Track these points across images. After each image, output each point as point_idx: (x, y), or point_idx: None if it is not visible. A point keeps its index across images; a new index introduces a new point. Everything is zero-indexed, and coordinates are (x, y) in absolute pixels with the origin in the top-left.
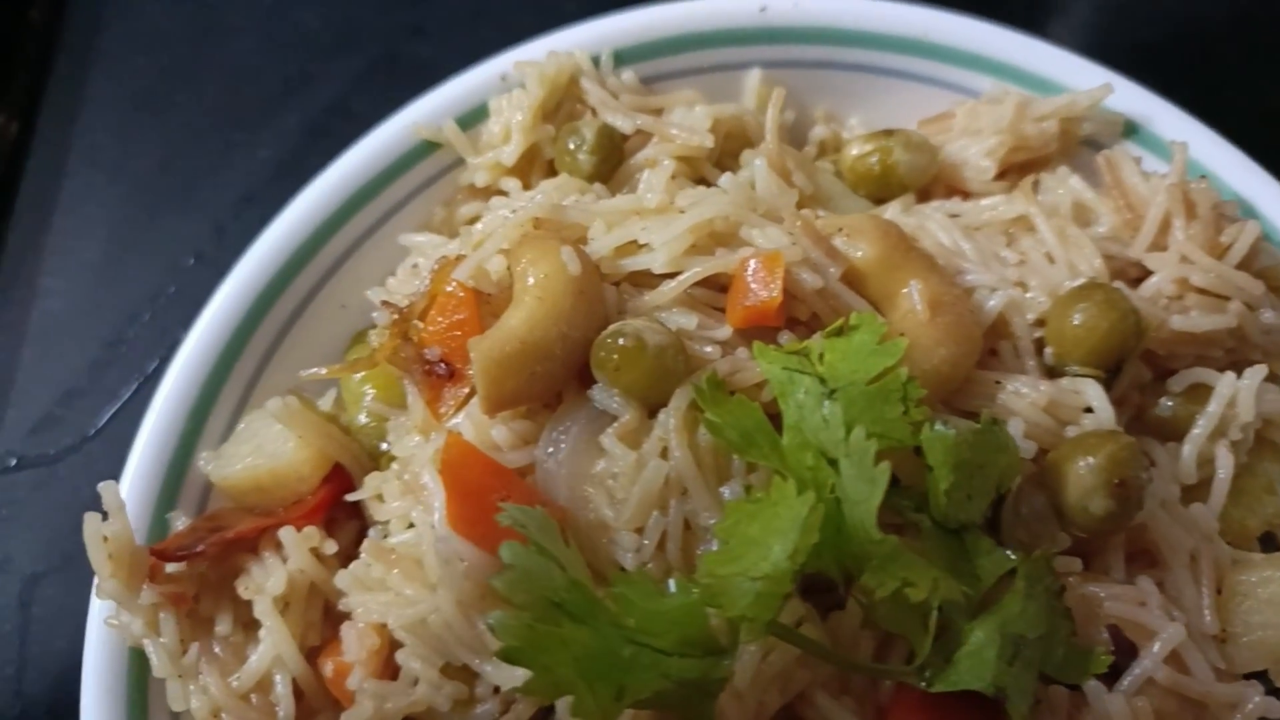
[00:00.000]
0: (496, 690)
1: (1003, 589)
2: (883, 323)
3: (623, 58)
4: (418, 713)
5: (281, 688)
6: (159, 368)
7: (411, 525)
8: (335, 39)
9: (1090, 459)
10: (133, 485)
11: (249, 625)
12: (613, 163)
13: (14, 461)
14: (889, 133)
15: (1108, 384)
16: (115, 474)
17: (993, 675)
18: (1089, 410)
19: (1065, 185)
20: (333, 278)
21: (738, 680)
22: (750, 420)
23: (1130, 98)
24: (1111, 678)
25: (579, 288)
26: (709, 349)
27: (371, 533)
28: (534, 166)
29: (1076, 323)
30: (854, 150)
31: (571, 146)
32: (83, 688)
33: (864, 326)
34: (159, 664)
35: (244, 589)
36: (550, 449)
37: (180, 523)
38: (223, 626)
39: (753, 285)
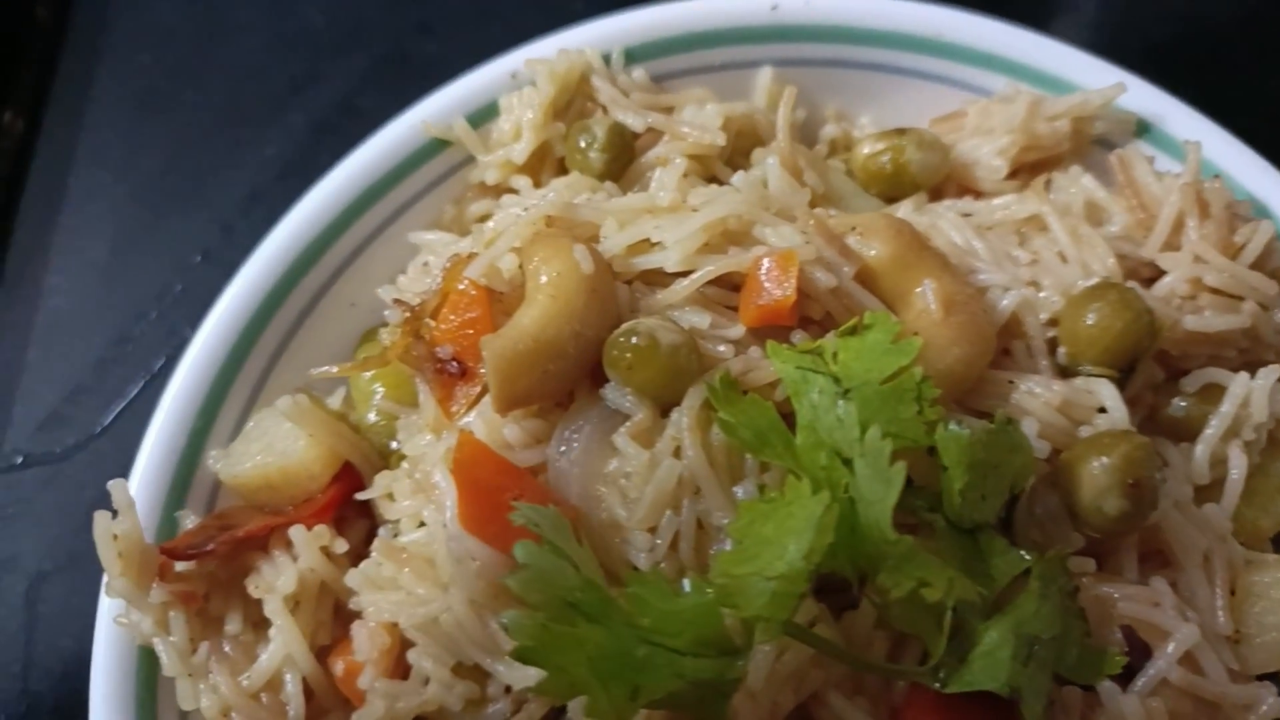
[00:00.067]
0: (508, 690)
1: (1016, 589)
2: (897, 322)
3: (633, 55)
4: (429, 712)
5: (292, 687)
6: (165, 366)
7: (423, 524)
8: (341, 37)
9: (1105, 459)
10: (141, 483)
11: (259, 624)
12: (624, 161)
13: (20, 459)
14: (901, 131)
15: (1121, 384)
16: (122, 472)
17: (1007, 676)
18: (1102, 410)
19: (1077, 184)
20: (342, 276)
21: (751, 680)
22: (764, 419)
23: (1142, 97)
24: (1125, 678)
25: (592, 286)
26: (722, 348)
27: (382, 531)
28: (544, 164)
29: (1090, 322)
30: (866, 149)
31: (582, 144)
32: (91, 686)
33: (878, 325)
34: (169, 663)
35: (254, 588)
36: (562, 448)
37: (189, 521)
38: (233, 625)
39: (766, 284)
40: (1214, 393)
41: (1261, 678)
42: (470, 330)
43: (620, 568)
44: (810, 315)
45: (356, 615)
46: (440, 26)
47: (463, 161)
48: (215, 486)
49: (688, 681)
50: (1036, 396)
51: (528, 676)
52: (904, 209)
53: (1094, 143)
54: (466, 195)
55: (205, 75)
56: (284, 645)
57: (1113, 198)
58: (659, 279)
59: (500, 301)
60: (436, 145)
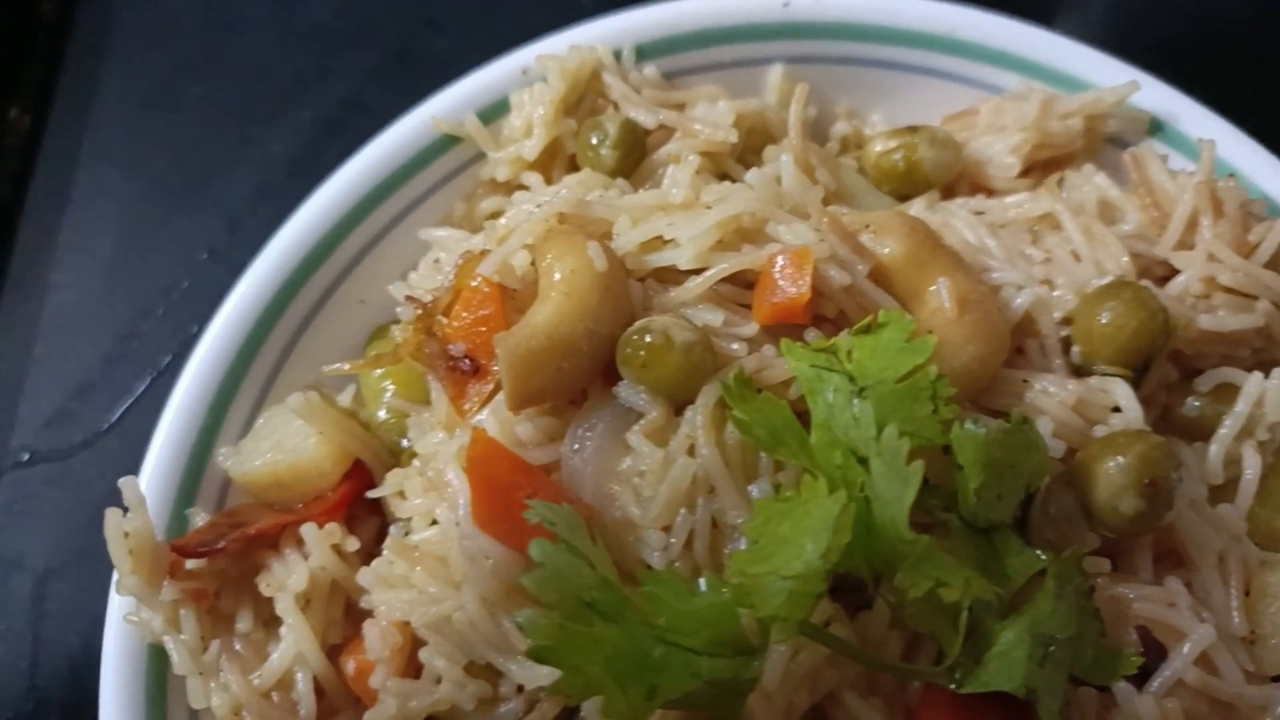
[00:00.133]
0: (521, 689)
1: (1032, 589)
2: (911, 320)
3: (644, 52)
4: (441, 711)
5: (303, 685)
6: (172, 363)
7: (434, 522)
8: (349, 32)
9: (1120, 458)
10: (151, 481)
11: (270, 622)
12: (635, 158)
13: (27, 456)
14: (914, 129)
15: (1135, 383)
16: (129, 469)
17: (1023, 676)
18: (1117, 410)
19: (1090, 183)
20: (352, 272)
21: (767, 680)
22: (779, 418)
23: (1156, 95)
24: (1140, 679)
25: (605, 283)
26: (735, 346)
27: (393, 530)
28: (555, 161)
29: (1104, 321)
30: (878, 146)
31: (594, 141)
32: (101, 685)
33: (892, 324)
34: (180, 661)
35: (265, 586)
36: (576, 446)
37: (199, 519)
38: (243, 623)
39: (780, 282)
40: (1228, 392)
41: (1277, 679)
42: (483, 327)
43: (634, 567)
44: (823, 313)
45: (367, 614)
46: (448, 23)
47: (473, 158)
48: (225, 484)
49: (704, 681)
50: (1051, 395)
51: (541, 676)
52: (916, 207)
53: (1107, 141)
54: (477, 192)
55: (212, 71)
56: (295, 644)
57: (1126, 196)
58: (671, 276)
59: (513, 299)
60: (447, 141)
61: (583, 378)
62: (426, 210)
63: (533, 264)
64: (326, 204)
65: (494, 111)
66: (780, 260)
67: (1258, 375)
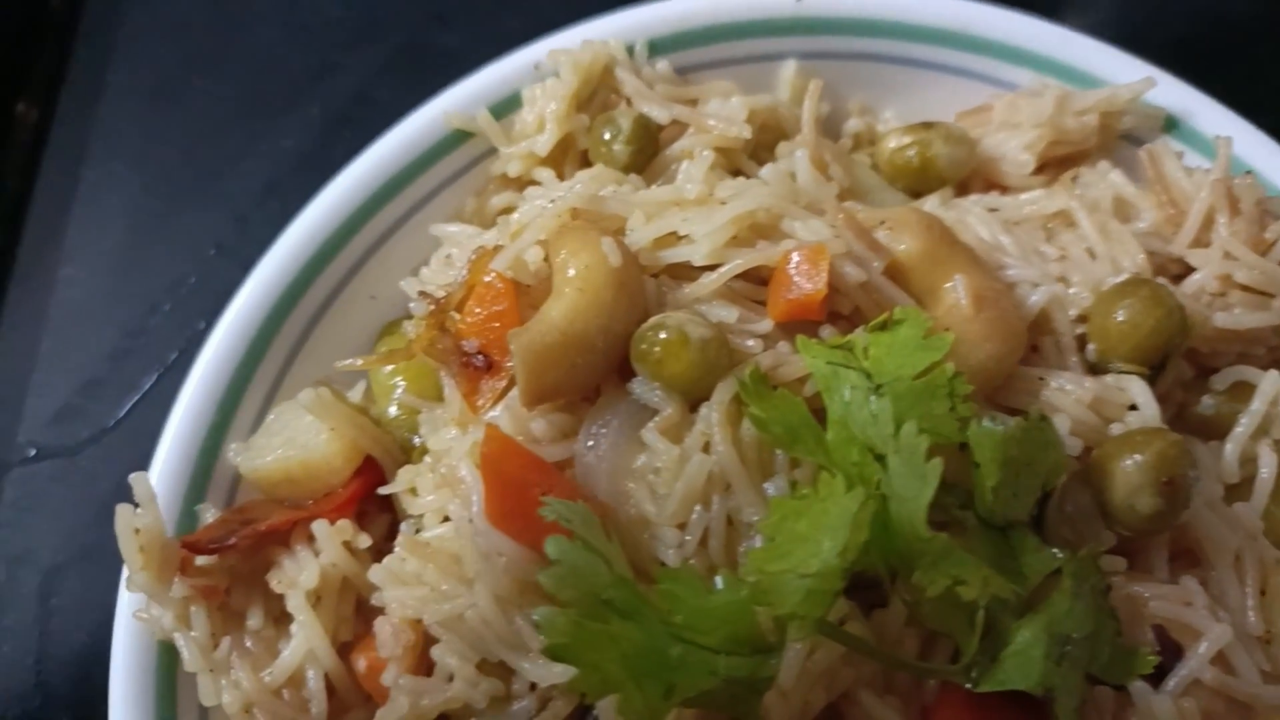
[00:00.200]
0: (533, 687)
1: (1048, 588)
2: (927, 317)
3: (657, 47)
4: (453, 709)
5: (314, 683)
6: (180, 358)
7: (447, 519)
8: (358, 27)
9: (1138, 456)
10: (161, 476)
11: (280, 619)
12: (648, 153)
13: (34, 452)
14: (928, 125)
15: (1151, 381)
16: (136, 465)
17: (1040, 675)
18: (1133, 408)
19: (1105, 180)
20: (363, 268)
21: (783, 679)
22: (795, 415)
23: (1171, 92)
24: (1157, 678)
25: (620, 279)
26: (750, 343)
27: (404, 527)
28: (567, 157)
29: (1120, 319)
30: (892, 143)
31: (607, 137)
32: (111, 682)
33: (909, 321)
34: (190, 658)
35: (276, 582)
36: (590, 443)
37: (209, 515)
38: (254, 620)
39: (796, 278)
40: (1244, 390)
41: None
42: (496, 323)
43: (649, 564)
44: (839, 310)
45: (378, 611)
46: (457, 17)
47: (485, 153)
48: (235, 480)
49: (721, 680)
50: (1068, 393)
51: (554, 673)
52: (930, 204)
53: (1122, 138)
54: (488, 188)
55: (221, 66)
56: (306, 641)
57: (1141, 193)
58: (686, 273)
59: (526, 294)
60: (458, 137)
61: (597, 374)
62: (437, 206)
63: (546, 260)
64: (336, 200)
65: (506, 106)
66: (796, 256)
67: (1274, 373)
